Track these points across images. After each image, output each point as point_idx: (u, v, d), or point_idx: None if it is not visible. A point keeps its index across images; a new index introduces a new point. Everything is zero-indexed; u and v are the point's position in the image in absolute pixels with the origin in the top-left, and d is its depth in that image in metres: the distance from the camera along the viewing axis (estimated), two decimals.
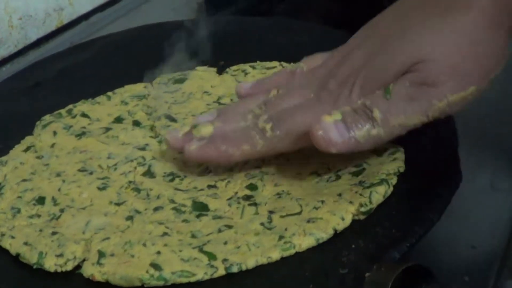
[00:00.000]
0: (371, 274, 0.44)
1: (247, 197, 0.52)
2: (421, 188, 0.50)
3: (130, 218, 0.52)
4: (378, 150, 0.52)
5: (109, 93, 0.66)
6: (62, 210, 0.53)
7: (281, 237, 0.48)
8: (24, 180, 0.57)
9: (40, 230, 0.52)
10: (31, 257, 0.50)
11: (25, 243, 0.51)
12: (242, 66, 0.67)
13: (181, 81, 0.66)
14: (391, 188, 0.50)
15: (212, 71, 0.67)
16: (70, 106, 0.65)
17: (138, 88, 0.67)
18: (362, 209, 0.49)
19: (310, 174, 0.53)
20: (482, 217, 0.55)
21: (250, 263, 0.47)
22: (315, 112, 0.50)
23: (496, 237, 0.53)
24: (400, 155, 0.52)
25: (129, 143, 0.59)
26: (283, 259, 0.47)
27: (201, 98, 0.64)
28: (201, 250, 0.48)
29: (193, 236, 0.49)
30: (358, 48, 0.51)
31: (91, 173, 0.57)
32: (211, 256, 0.47)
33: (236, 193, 0.53)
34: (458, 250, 0.52)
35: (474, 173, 0.55)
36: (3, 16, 0.83)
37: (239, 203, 0.52)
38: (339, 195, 0.50)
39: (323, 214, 0.49)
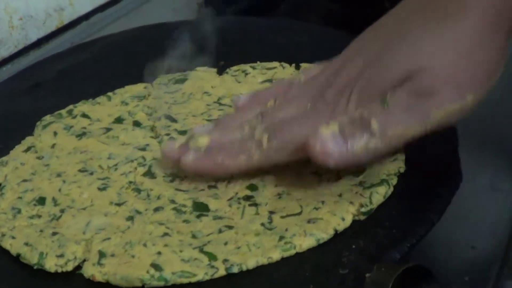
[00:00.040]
0: (371, 275, 0.44)
1: (247, 198, 0.52)
2: (421, 188, 0.50)
3: (130, 218, 0.52)
4: None
5: (110, 94, 0.66)
6: (62, 211, 0.53)
7: (281, 238, 0.48)
8: (25, 181, 0.57)
9: (41, 231, 0.52)
10: (31, 258, 0.50)
11: (26, 244, 0.51)
12: (242, 66, 0.67)
13: (181, 81, 0.66)
14: (392, 189, 0.50)
15: (212, 71, 0.67)
16: (71, 107, 0.65)
17: (138, 88, 0.67)
18: (363, 210, 0.49)
19: (310, 174, 0.53)
20: (482, 217, 0.55)
21: (251, 264, 0.47)
22: (312, 123, 0.49)
23: (496, 237, 0.53)
24: (400, 155, 0.52)
25: (130, 143, 0.59)
26: (283, 259, 0.47)
27: (201, 99, 0.64)
28: (201, 251, 0.48)
29: (194, 236, 0.49)
30: (356, 56, 0.50)
31: (91, 174, 0.57)
32: (212, 257, 0.47)
33: (237, 193, 0.53)
34: (458, 250, 0.52)
35: (474, 173, 0.55)
36: (4, 17, 0.83)
37: (239, 203, 0.52)
38: (340, 195, 0.50)
39: (323, 214, 0.49)
